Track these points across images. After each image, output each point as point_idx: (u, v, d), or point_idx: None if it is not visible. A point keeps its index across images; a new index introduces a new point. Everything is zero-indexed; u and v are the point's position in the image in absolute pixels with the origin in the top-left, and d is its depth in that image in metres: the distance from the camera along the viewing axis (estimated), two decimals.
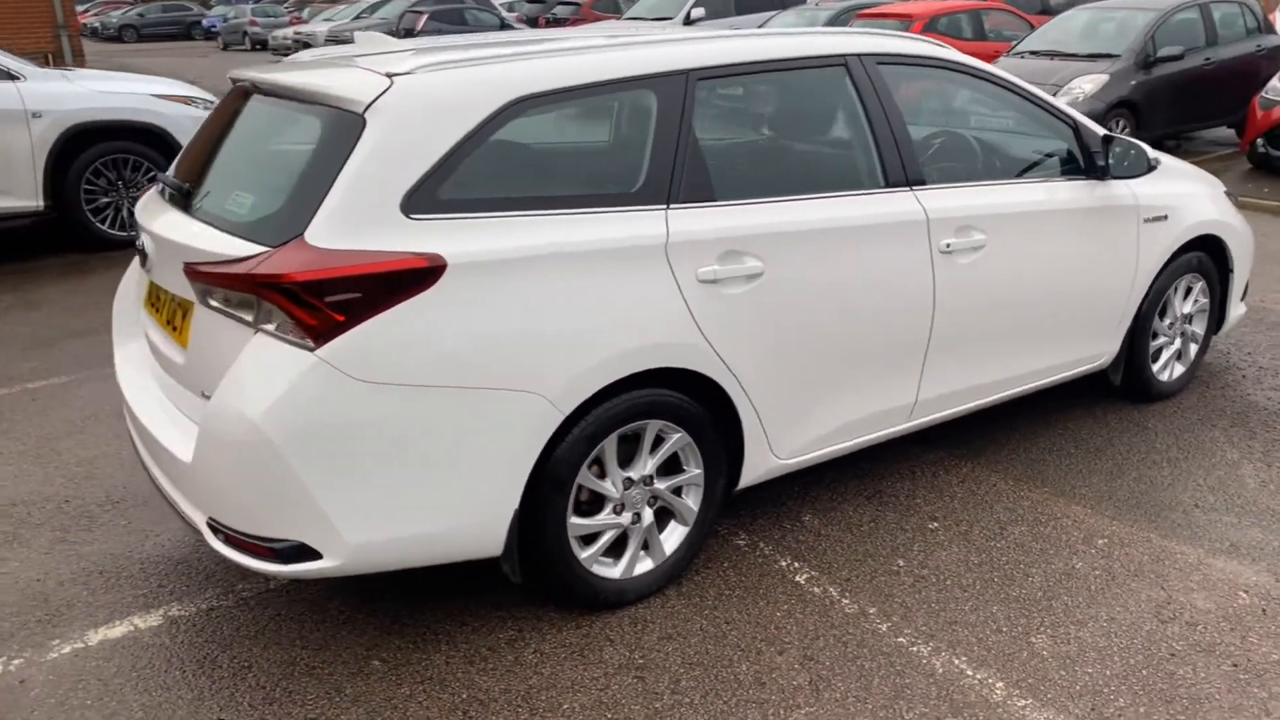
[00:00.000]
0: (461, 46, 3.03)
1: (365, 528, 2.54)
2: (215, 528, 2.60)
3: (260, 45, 32.58)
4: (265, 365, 2.45)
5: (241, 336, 2.53)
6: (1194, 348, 4.54)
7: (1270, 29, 11.53)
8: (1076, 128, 3.87)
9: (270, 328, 2.47)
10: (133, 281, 3.48)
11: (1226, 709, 2.58)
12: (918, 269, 3.34)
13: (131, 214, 7.56)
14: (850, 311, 3.20)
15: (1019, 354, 3.77)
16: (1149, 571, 3.18)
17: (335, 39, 23.41)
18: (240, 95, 3.15)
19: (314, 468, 2.45)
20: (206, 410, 2.52)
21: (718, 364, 2.94)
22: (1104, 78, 9.72)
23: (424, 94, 2.61)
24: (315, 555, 2.53)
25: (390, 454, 2.52)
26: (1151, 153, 3.82)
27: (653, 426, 2.91)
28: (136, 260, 3.43)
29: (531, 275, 2.64)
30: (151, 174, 7.42)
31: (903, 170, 3.35)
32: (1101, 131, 3.94)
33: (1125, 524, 3.46)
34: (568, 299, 2.69)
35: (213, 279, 2.53)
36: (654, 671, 2.75)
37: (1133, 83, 9.87)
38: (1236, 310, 4.68)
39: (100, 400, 4.65)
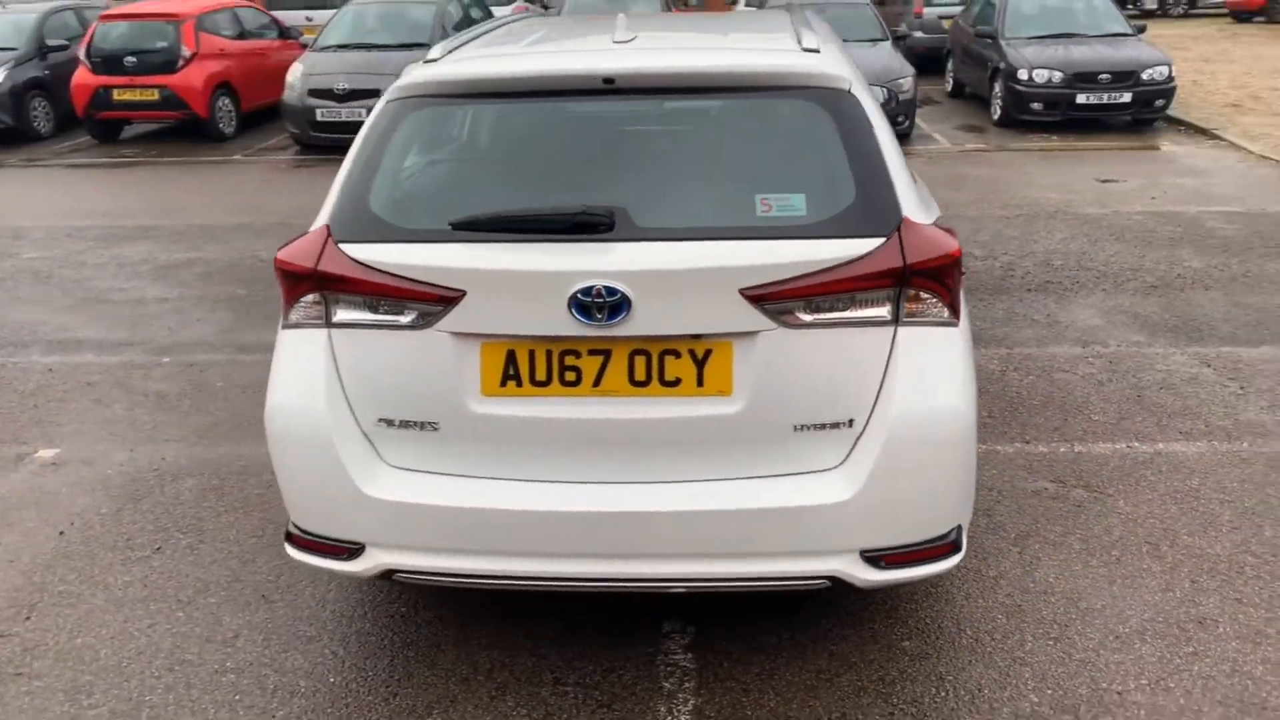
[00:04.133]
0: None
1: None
2: (875, 558, 2.38)
3: None
4: (939, 354, 2.38)
5: (873, 338, 2.35)
6: None
7: None
8: None
9: (913, 316, 2.37)
10: (319, 395, 2.45)
11: None
12: None
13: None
14: None
15: None
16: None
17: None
18: (557, 97, 2.61)
19: (974, 441, 2.47)
20: (898, 422, 2.33)
21: None
22: None
23: (852, 68, 2.66)
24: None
25: None
26: None
27: None
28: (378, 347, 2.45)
29: None
30: None
31: None
32: None
33: (1178, 348, 4.78)
34: None
35: (839, 286, 2.29)
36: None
37: None
38: None
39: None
